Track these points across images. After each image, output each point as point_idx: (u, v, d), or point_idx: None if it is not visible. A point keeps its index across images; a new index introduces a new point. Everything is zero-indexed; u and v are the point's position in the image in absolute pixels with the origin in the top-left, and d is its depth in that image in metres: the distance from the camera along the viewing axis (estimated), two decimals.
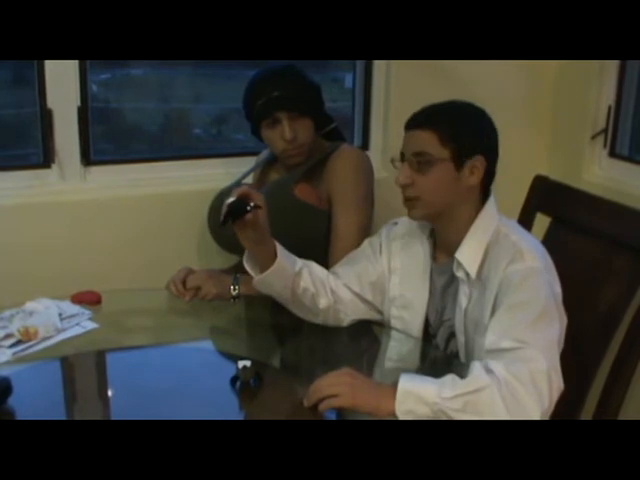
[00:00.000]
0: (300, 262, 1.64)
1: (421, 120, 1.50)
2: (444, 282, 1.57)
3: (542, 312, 1.38)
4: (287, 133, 1.82)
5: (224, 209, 1.50)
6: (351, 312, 1.68)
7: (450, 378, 1.32)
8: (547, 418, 1.32)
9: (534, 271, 1.41)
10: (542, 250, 1.48)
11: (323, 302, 1.64)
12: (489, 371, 1.31)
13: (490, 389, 1.28)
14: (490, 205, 1.52)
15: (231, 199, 1.51)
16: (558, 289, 1.45)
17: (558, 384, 1.34)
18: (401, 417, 1.28)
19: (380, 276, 1.66)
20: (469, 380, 1.31)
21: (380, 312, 1.68)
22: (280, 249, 1.59)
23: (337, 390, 1.32)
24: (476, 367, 1.33)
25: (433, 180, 1.48)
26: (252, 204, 1.49)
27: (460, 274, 1.50)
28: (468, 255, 1.49)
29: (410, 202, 1.52)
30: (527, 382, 1.29)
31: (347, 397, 1.31)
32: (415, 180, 1.49)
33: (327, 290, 1.65)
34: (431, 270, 1.59)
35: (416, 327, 1.61)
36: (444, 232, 1.55)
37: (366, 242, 1.72)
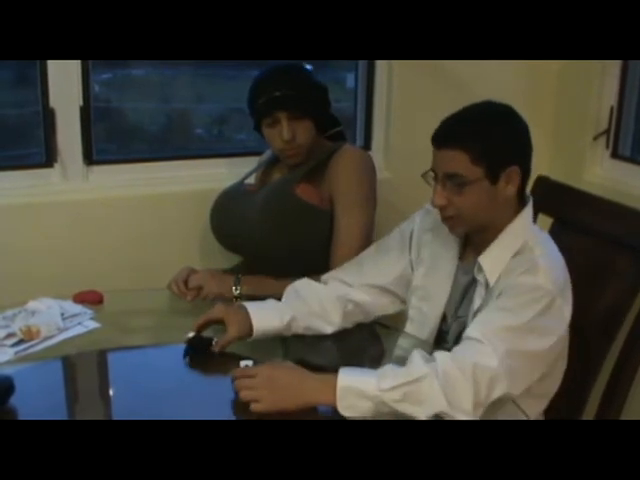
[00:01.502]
0: (289, 311, 1.59)
1: (448, 138, 1.45)
2: (467, 281, 1.56)
3: (520, 326, 1.37)
4: (285, 134, 1.81)
5: (185, 344, 1.53)
6: (375, 310, 1.68)
7: (389, 368, 1.32)
8: (480, 414, 1.30)
9: (539, 289, 1.39)
10: (559, 272, 1.45)
11: (329, 328, 1.64)
12: (431, 359, 1.31)
13: (429, 378, 1.28)
14: (525, 214, 1.51)
15: (191, 334, 1.54)
16: (567, 313, 1.44)
17: (504, 390, 1.32)
18: (342, 412, 1.28)
19: (406, 267, 1.66)
20: (407, 370, 1.31)
21: (404, 302, 1.68)
22: (255, 318, 1.56)
23: (255, 395, 1.31)
24: (415, 356, 1.33)
25: (470, 199, 1.45)
26: (214, 341, 1.53)
27: (480, 278, 1.50)
28: (491, 262, 1.48)
29: (450, 221, 1.50)
30: (467, 372, 1.29)
31: (266, 402, 1.30)
32: (451, 200, 1.46)
33: (330, 313, 1.63)
34: (457, 268, 1.58)
35: (432, 320, 1.61)
36: (477, 236, 1.54)
37: (397, 232, 1.70)
